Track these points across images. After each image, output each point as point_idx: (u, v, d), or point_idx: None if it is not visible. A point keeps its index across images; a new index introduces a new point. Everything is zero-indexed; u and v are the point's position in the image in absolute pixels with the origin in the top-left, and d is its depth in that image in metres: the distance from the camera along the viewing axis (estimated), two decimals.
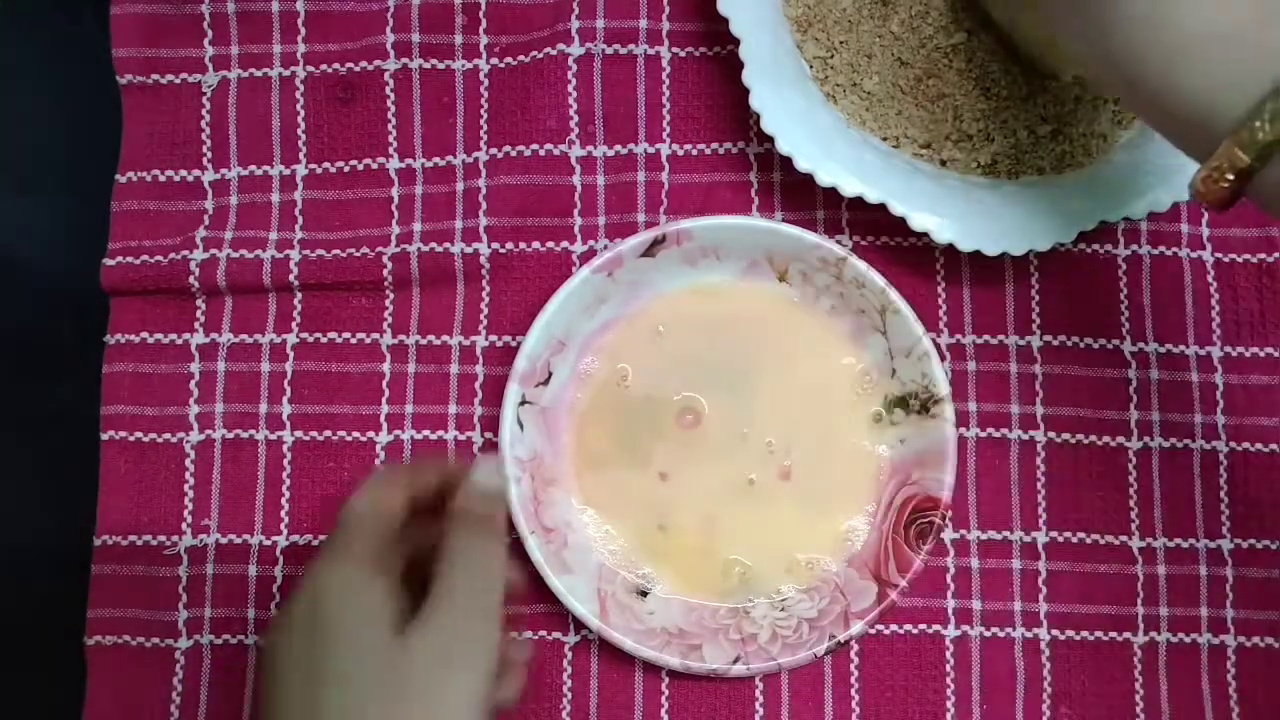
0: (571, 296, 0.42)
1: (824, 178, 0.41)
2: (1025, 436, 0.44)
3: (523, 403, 0.42)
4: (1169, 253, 0.45)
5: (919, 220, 0.41)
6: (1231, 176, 0.29)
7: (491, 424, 0.43)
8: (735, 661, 0.41)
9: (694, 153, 0.45)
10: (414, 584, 0.34)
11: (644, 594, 0.42)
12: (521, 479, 0.41)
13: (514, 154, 0.45)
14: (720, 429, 0.43)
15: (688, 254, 0.43)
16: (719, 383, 0.44)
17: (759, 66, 0.41)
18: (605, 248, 0.43)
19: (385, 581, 0.33)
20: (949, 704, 0.43)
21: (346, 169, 0.45)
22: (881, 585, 0.41)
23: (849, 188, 0.41)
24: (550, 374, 0.43)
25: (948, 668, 0.43)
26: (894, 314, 0.42)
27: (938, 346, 0.42)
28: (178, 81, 0.46)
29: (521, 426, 0.42)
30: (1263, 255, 0.45)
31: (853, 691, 0.43)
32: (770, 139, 0.41)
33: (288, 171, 0.45)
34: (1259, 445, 0.44)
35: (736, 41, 0.41)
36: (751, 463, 0.43)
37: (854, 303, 0.43)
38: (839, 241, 0.43)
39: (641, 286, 0.43)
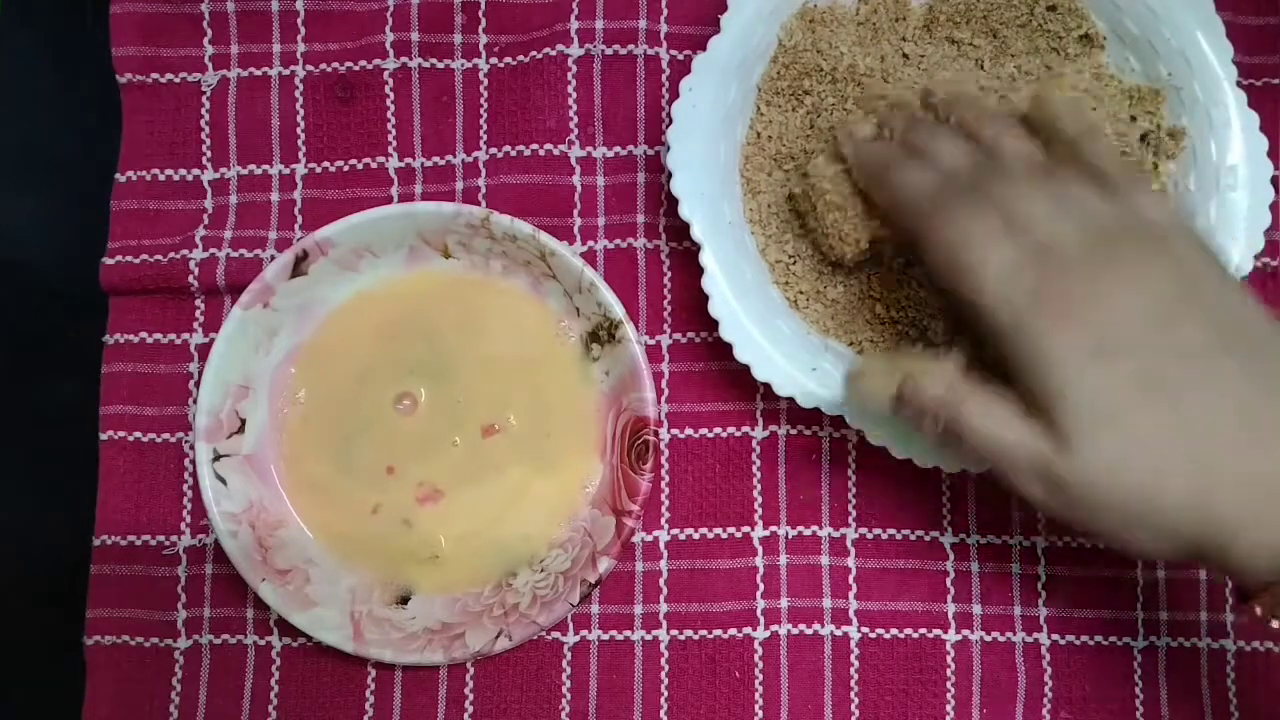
0: (232, 340, 0.41)
1: (781, 389, 0.40)
2: None
3: (218, 457, 0.41)
4: None
5: (876, 436, 0.40)
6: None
7: None
8: (498, 638, 0.41)
9: None
10: None
11: (405, 600, 0.42)
12: (239, 531, 0.41)
13: (513, 154, 0.45)
14: (438, 416, 0.43)
15: (342, 260, 0.42)
16: (426, 374, 0.43)
17: (720, 269, 0.40)
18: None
19: None
20: (949, 708, 0.43)
21: (346, 168, 0.45)
22: (619, 517, 0.41)
23: (806, 401, 0.40)
24: (243, 420, 0.42)
25: (948, 672, 0.43)
26: (552, 255, 0.42)
27: None
28: (177, 80, 0.46)
29: (225, 481, 0.41)
30: (1266, 260, 0.45)
31: (852, 695, 0.43)
32: None
33: (287, 171, 0.45)
34: None
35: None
36: (476, 437, 0.43)
37: (518, 256, 0.42)
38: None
39: (310, 306, 0.43)
